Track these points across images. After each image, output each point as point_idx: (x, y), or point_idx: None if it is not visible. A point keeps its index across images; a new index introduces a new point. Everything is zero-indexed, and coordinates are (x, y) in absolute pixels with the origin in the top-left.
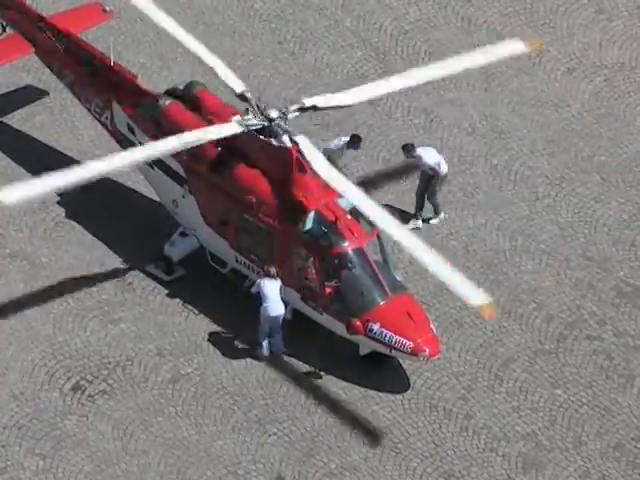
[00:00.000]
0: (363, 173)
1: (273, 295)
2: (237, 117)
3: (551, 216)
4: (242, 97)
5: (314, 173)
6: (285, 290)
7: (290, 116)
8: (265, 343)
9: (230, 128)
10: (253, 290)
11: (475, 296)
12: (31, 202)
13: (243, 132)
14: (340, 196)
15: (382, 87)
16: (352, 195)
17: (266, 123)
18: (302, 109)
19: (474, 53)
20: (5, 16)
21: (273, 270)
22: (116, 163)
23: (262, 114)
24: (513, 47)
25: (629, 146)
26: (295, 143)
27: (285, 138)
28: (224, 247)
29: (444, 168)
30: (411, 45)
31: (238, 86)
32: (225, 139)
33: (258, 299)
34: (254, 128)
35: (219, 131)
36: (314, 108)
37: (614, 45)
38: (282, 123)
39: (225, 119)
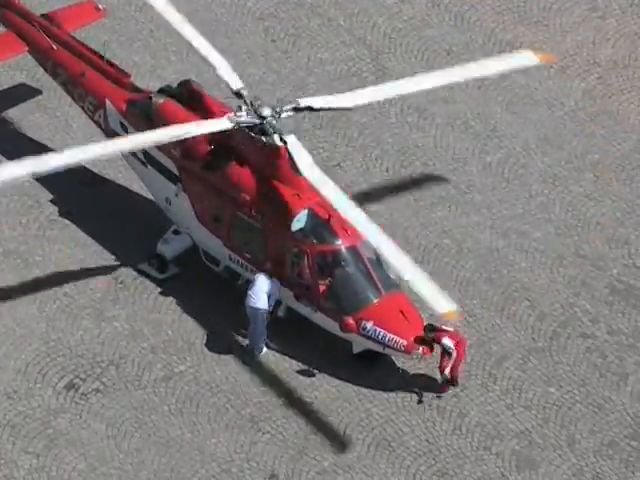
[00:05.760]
0: (355, 171)
1: (258, 287)
2: (230, 114)
3: (544, 214)
4: (238, 94)
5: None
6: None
7: (283, 115)
8: (260, 341)
9: (221, 123)
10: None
11: (442, 303)
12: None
13: (234, 128)
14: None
15: (381, 92)
16: (334, 198)
17: (257, 121)
18: (297, 109)
19: (483, 61)
20: None
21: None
22: (102, 151)
23: (255, 112)
24: (524, 58)
25: (622, 144)
26: (285, 142)
27: (276, 137)
28: (217, 245)
29: None
30: (404, 43)
31: (235, 83)
32: (218, 137)
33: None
34: (245, 125)
35: (210, 126)
36: (309, 109)
37: (607, 43)
38: (274, 122)
39: (218, 117)
